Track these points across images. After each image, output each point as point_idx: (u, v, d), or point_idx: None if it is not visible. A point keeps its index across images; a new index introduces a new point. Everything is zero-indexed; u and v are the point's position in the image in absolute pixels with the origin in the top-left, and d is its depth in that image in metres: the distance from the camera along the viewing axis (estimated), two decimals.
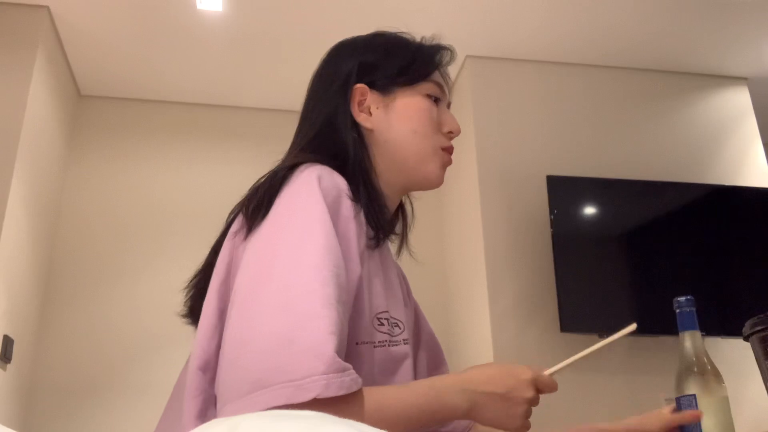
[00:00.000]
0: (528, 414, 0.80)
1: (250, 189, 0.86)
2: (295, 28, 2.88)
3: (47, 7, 2.72)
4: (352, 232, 0.81)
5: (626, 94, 3.19)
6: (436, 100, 0.98)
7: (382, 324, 0.84)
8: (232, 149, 3.28)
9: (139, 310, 2.93)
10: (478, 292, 2.79)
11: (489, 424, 0.81)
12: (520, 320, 2.69)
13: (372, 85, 0.95)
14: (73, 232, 3.02)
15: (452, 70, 1.05)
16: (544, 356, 2.55)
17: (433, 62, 0.98)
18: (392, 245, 1.01)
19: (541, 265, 2.75)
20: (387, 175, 0.94)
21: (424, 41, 1.00)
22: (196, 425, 0.68)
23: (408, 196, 1.04)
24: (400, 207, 1.03)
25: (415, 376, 0.94)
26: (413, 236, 1.05)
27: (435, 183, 0.97)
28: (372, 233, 0.86)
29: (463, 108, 3.06)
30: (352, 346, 0.79)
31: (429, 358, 1.08)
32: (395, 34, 1.01)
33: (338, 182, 0.82)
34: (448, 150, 0.97)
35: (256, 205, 0.80)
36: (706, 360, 0.97)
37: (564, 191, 2.77)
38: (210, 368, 0.76)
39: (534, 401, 0.80)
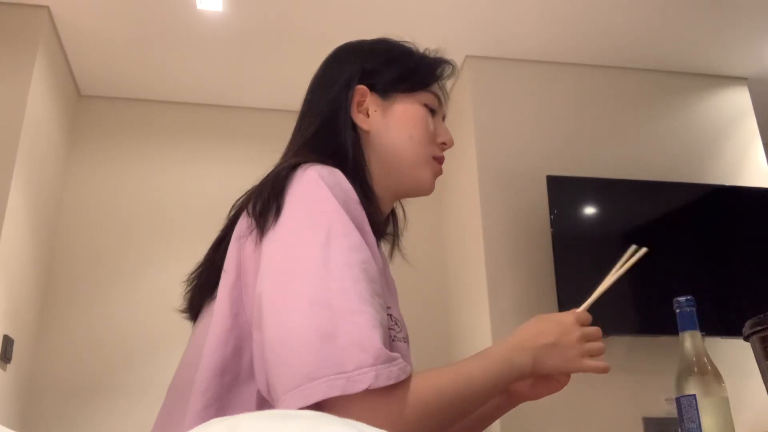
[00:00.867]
0: (584, 352, 0.87)
1: (252, 187, 0.86)
2: (295, 28, 2.88)
3: (47, 7, 2.72)
4: (367, 226, 0.81)
5: (626, 94, 3.19)
6: (432, 112, 0.99)
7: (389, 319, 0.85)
8: (232, 149, 3.28)
9: (139, 310, 2.93)
10: (478, 292, 2.79)
11: (553, 371, 0.86)
12: (520, 320, 2.66)
13: (372, 88, 0.96)
14: (73, 232, 3.02)
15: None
16: None
17: (434, 74, 1.00)
18: (384, 248, 1.01)
19: (541, 265, 2.75)
20: (379, 178, 0.94)
21: (427, 52, 1.02)
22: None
23: (400, 203, 1.04)
24: (392, 211, 1.03)
25: None
26: (413, 236, 1.06)
27: (426, 190, 0.99)
28: None
29: (462, 108, 3.06)
30: None
31: None
32: (399, 42, 1.02)
33: (340, 181, 0.82)
34: (440, 160, 0.99)
35: (263, 205, 0.80)
36: (706, 360, 0.97)
37: (564, 191, 2.77)
38: (228, 372, 0.76)
39: (587, 337, 0.87)
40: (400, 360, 0.70)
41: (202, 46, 2.97)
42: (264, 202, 0.80)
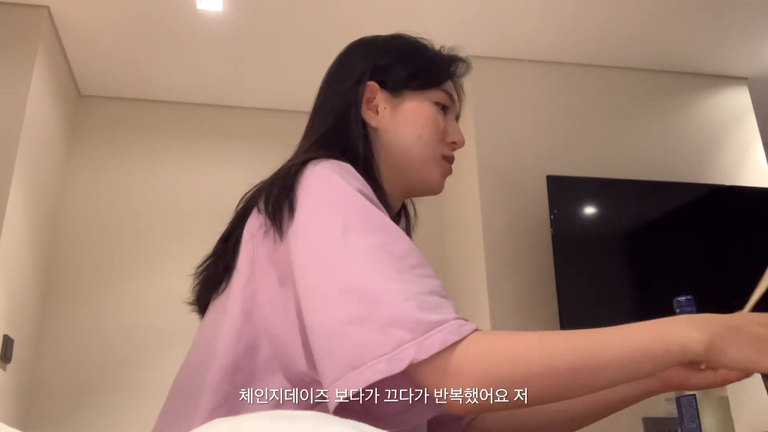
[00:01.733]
0: None
1: (262, 182, 0.86)
2: (295, 28, 2.88)
3: (47, 7, 2.72)
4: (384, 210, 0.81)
5: (626, 94, 3.19)
6: (445, 109, 0.98)
7: None
8: (232, 149, 3.28)
9: (139, 310, 2.93)
10: (478, 292, 2.79)
11: (736, 363, 0.68)
12: (520, 320, 2.69)
13: (383, 85, 0.95)
14: (73, 232, 3.02)
15: None
16: None
17: (447, 71, 0.98)
18: None
19: (541, 265, 2.75)
20: (388, 176, 0.94)
21: (442, 50, 1.00)
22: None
23: (411, 200, 1.04)
24: (404, 209, 1.03)
25: None
26: (413, 236, 1.05)
27: (435, 189, 0.98)
28: None
29: (462, 108, 3.06)
30: None
31: None
32: (414, 38, 1.01)
33: (352, 172, 0.82)
34: (449, 159, 0.98)
35: (275, 204, 0.80)
36: None
37: (564, 191, 2.77)
38: (242, 370, 0.76)
39: None
40: (448, 323, 0.67)
41: (202, 46, 2.97)
42: (275, 201, 0.80)
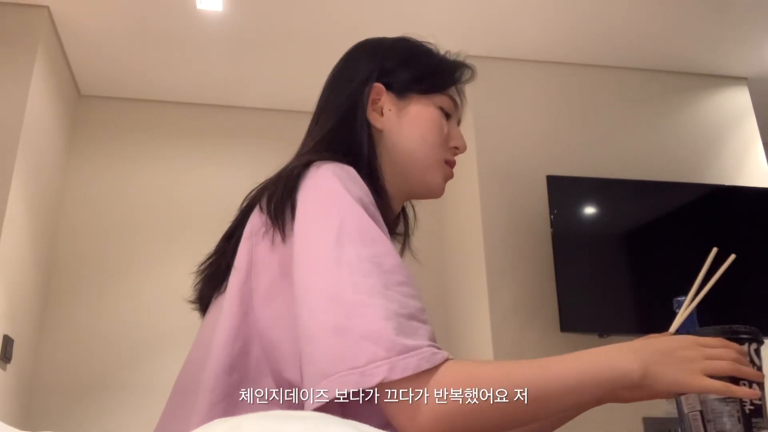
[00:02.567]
0: (707, 368, 0.71)
1: (266, 180, 0.86)
2: (295, 29, 2.88)
3: (47, 7, 2.72)
4: (381, 223, 0.81)
5: (626, 94, 3.19)
6: (447, 115, 0.98)
7: None
8: (232, 149, 3.28)
9: (139, 310, 2.93)
10: (478, 292, 2.79)
11: (668, 386, 0.71)
12: (520, 320, 2.69)
13: (388, 87, 0.96)
14: (73, 232, 3.02)
15: None
16: (545, 356, 2.55)
17: (452, 77, 0.99)
18: (395, 247, 1.01)
19: (541, 265, 2.75)
20: (391, 178, 0.94)
21: (447, 55, 1.01)
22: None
23: (410, 202, 1.04)
24: (403, 211, 1.03)
25: None
26: (413, 236, 1.05)
27: (436, 193, 0.98)
28: None
29: (462, 108, 3.06)
30: None
31: None
32: (421, 42, 1.01)
33: (354, 177, 0.82)
34: (451, 164, 0.98)
35: (277, 205, 0.80)
36: None
37: (564, 191, 2.77)
38: (237, 370, 0.76)
39: (709, 353, 0.73)
40: (424, 349, 0.67)
41: (202, 46, 2.97)
42: (278, 202, 0.80)
